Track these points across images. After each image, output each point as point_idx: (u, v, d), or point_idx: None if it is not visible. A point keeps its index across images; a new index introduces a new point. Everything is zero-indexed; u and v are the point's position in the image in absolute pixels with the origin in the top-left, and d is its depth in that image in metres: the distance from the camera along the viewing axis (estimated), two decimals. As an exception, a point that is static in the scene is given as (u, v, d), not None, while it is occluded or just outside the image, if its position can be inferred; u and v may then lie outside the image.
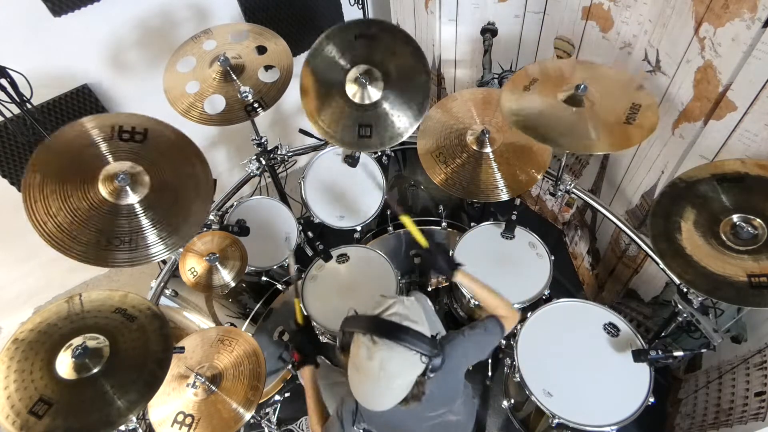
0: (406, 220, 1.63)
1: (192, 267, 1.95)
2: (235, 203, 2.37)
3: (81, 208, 1.45)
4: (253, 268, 2.23)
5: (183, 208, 1.57)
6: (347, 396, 1.33)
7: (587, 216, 2.74)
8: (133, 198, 1.51)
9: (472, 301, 1.97)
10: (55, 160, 1.47)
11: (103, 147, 1.55)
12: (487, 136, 1.92)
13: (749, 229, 1.40)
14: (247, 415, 1.70)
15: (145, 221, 1.51)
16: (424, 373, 1.21)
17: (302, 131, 2.42)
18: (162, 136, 1.62)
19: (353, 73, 1.95)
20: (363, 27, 1.98)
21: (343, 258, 2.13)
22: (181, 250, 1.97)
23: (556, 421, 1.63)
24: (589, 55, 2.20)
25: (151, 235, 1.50)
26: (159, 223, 1.52)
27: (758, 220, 1.42)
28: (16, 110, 1.79)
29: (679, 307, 1.73)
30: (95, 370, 1.40)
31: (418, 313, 1.24)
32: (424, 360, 1.18)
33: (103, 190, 1.49)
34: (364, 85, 1.92)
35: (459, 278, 1.60)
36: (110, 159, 1.53)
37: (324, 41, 1.94)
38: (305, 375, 1.58)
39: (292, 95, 2.03)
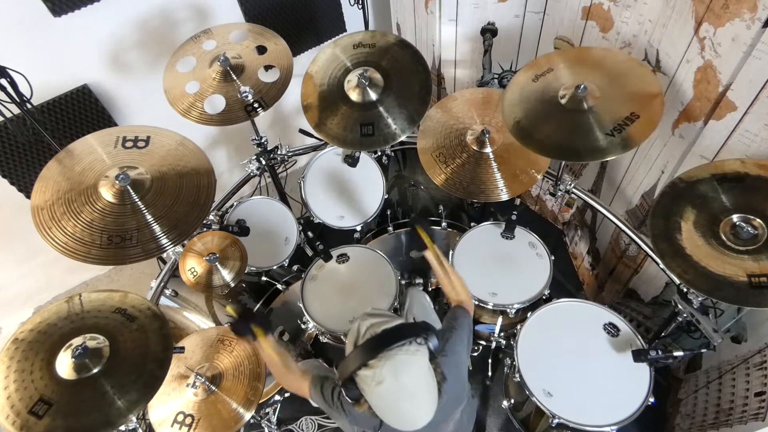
0: None
1: (192, 267, 1.95)
2: (235, 203, 2.37)
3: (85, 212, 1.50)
4: (253, 268, 2.23)
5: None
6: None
7: (587, 216, 2.74)
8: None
9: (472, 301, 1.97)
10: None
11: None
12: (487, 136, 1.92)
13: (749, 229, 1.40)
14: (247, 415, 1.70)
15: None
16: (432, 357, 1.20)
17: (302, 131, 2.42)
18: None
19: (353, 74, 1.97)
20: (363, 37, 2.04)
21: (343, 258, 2.13)
22: (181, 249, 1.97)
23: (556, 421, 1.64)
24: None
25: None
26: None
27: (758, 220, 1.42)
28: (16, 110, 1.78)
29: (679, 307, 1.73)
30: (95, 370, 1.40)
31: (383, 313, 1.24)
32: (420, 341, 1.17)
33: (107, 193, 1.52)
34: (364, 85, 1.93)
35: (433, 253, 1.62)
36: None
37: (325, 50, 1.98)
38: (264, 346, 1.52)
39: (292, 95, 2.03)
